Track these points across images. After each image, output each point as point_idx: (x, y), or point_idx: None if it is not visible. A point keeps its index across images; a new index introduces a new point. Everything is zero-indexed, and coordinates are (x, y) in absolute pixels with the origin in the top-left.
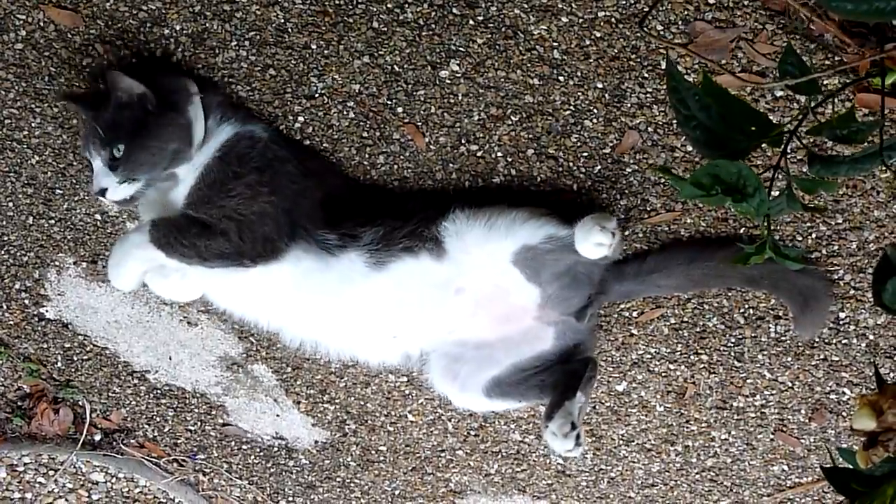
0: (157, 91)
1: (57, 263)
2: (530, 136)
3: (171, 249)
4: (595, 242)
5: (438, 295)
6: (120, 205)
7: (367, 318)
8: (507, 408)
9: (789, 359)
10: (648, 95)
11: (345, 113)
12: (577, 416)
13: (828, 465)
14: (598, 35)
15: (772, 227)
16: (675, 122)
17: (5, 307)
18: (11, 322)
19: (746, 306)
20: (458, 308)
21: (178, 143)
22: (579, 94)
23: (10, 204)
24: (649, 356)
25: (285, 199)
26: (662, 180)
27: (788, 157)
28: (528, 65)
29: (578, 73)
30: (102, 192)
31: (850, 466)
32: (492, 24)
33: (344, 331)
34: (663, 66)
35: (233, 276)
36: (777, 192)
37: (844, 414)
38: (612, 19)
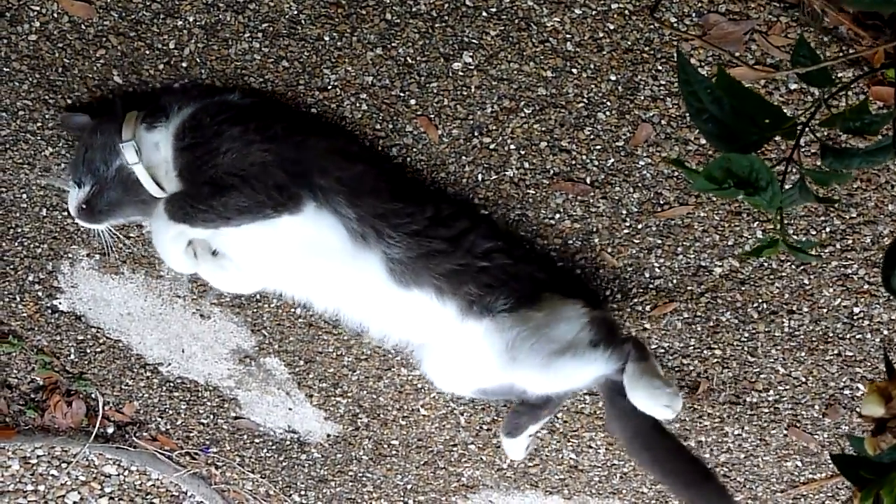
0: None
1: (70, 255)
2: (543, 128)
3: (191, 219)
4: (667, 410)
5: (452, 342)
6: (87, 220)
7: (378, 313)
8: None
9: (803, 354)
10: (662, 88)
11: (358, 105)
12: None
13: (837, 453)
14: (612, 27)
15: (785, 221)
16: (687, 115)
17: (18, 299)
18: (24, 314)
19: (760, 301)
20: (465, 358)
21: (106, 136)
22: (592, 86)
23: (24, 196)
24: (662, 350)
25: (287, 149)
26: (676, 173)
27: (802, 150)
28: (542, 57)
29: (591, 66)
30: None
31: (860, 454)
32: (505, 16)
33: (354, 309)
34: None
35: (266, 237)
36: (790, 185)
37: (858, 409)
38: (626, 11)
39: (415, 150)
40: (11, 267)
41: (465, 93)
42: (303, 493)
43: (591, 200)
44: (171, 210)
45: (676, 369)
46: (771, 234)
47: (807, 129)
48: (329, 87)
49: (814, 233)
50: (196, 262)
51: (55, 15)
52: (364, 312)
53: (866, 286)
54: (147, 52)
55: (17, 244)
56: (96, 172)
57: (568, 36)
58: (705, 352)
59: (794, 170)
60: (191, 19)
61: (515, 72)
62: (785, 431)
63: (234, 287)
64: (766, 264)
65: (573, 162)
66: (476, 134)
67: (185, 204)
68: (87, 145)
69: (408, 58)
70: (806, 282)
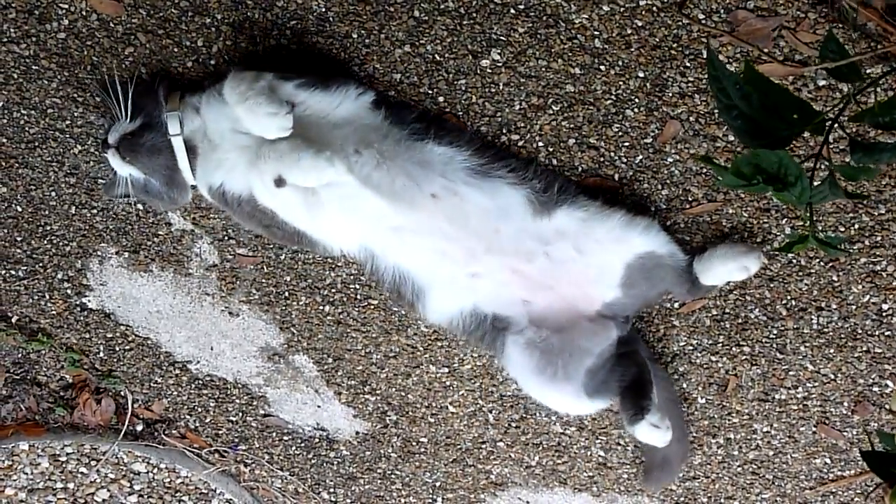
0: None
1: (99, 253)
2: (572, 125)
3: (270, 69)
4: (742, 266)
5: (527, 245)
6: (123, 152)
7: (447, 234)
8: (600, 408)
9: (832, 351)
10: (690, 85)
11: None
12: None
13: (868, 450)
14: (640, 24)
15: (814, 217)
16: (716, 111)
17: (48, 297)
18: (54, 312)
19: (789, 297)
20: (539, 270)
21: (158, 93)
22: (621, 83)
23: (53, 193)
24: (691, 348)
25: None
26: (704, 170)
27: (830, 145)
28: (570, 54)
29: (620, 63)
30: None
31: (891, 451)
32: (533, 13)
33: (420, 249)
34: (705, 55)
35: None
36: (819, 181)
37: (887, 406)
38: (654, 8)
39: None
40: (41, 265)
41: (493, 90)
42: (331, 490)
43: (620, 197)
44: (245, 67)
45: (705, 366)
46: (800, 230)
47: (836, 124)
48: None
49: (843, 229)
50: (283, 107)
51: (84, 13)
52: (432, 241)
53: (895, 283)
54: (175, 49)
55: (46, 242)
56: (150, 114)
57: (596, 33)
58: (734, 349)
59: (822, 166)
60: (219, 17)
61: (544, 69)
62: (814, 428)
63: (309, 219)
64: (794, 261)
65: (601, 159)
66: (504, 131)
67: (260, 67)
68: (141, 92)
69: (436, 55)
70: (835, 278)
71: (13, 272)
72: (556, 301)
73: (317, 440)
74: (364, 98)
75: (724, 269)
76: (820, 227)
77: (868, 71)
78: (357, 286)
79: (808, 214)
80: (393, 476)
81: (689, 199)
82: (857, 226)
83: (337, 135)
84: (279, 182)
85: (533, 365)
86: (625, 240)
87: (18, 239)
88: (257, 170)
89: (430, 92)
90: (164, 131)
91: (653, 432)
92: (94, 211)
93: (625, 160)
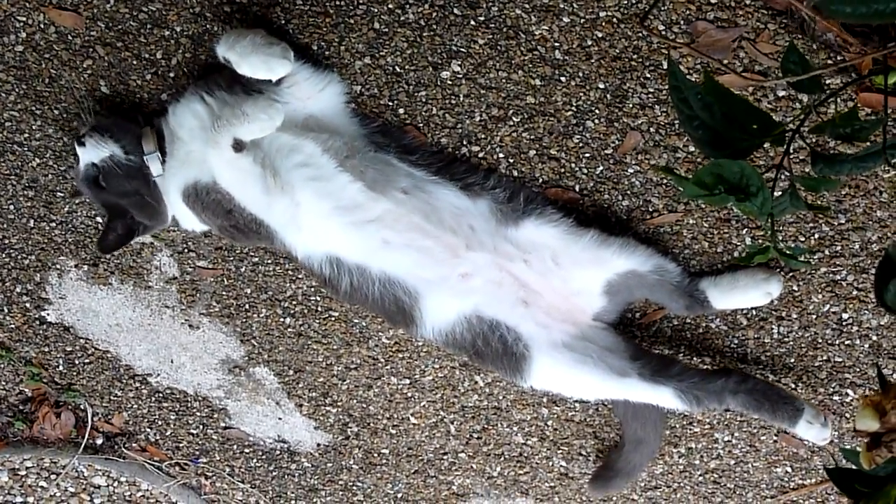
0: None
1: (58, 266)
2: (532, 136)
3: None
4: (766, 292)
5: (506, 247)
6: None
7: (425, 230)
8: (669, 401)
9: (792, 360)
10: (650, 96)
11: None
12: None
13: (832, 467)
14: (600, 35)
15: (775, 227)
16: (677, 122)
17: (6, 310)
18: (13, 325)
19: (749, 307)
20: (523, 272)
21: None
22: (581, 94)
23: (11, 207)
24: None
25: None
26: (665, 181)
27: (791, 156)
28: (530, 65)
29: (580, 74)
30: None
31: (854, 467)
32: (493, 25)
33: (403, 246)
34: (665, 66)
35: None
36: (780, 192)
37: (847, 415)
38: (614, 19)
39: None
40: None
41: (453, 101)
42: (293, 502)
43: (580, 208)
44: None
45: None
46: (761, 241)
47: (796, 135)
48: None
49: (803, 239)
50: (280, 41)
51: (42, 25)
52: (416, 244)
53: (855, 292)
54: (134, 62)
55: (4, 255)
56: (130, 147)
57: (556, 44)
58: (695, 359)
59: (783, 176)
60: (178, 29)
61: (504, 80)
62: (775, 437)
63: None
64: None
65: (562, 170)
66: (465, 143)
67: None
68: (122, 123)
69: (396, 67)
70: (795, 288)
71: None
72: (551, 308)
73: (278, 452)
74: (343, 90)
75: (745, 297)
76: (780, 237)
77: (828, 82)
78: (318, 298)
79: (769, 225)
80: (354, 488)
81: (650, 209)
82: (817, 235)
83: (311, 123)
84: (238, 146)
85: (569, 359)
86: (601, 259)
87: None
88: (213, 142)
89: (390, 104)
90: (145, 170)
91: (809, 430)
92: (53, 224)
93: (585, 171)
